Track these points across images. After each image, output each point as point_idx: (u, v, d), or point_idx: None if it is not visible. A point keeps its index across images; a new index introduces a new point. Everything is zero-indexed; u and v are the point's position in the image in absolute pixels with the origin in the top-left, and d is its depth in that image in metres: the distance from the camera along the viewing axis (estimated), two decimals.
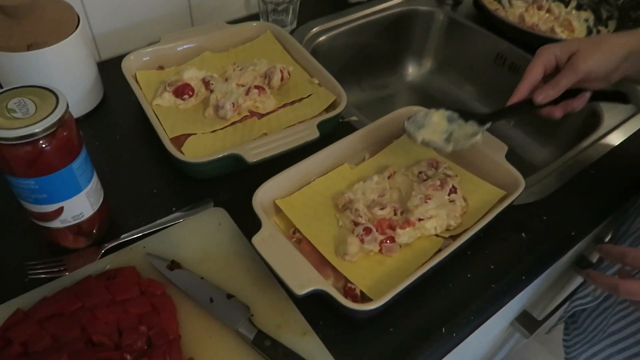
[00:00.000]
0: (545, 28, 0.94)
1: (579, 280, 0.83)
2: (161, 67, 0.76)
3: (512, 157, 0.94)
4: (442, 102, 1.08)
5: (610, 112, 0.81)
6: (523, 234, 0.62)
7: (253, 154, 0.61)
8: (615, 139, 0.76)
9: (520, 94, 0.60)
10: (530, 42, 0.92)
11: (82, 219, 0.54)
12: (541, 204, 0.66)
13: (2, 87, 0.67)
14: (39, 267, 0.54)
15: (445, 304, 0.55)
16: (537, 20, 0.96)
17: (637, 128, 0.79)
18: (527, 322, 0.78)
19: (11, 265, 0.55)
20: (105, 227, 0.58)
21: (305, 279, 0.49)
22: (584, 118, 0.86)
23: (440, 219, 0.57)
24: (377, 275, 0.54)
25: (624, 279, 0.50)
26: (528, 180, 0.69)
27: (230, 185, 0.65)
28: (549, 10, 1.00)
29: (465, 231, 0.56)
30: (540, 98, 0.58)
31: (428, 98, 1.10)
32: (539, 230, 0.63)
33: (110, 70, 0.76)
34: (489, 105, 1.04)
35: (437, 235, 0.58)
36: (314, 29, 0.94)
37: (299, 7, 0.92)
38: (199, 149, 0.65)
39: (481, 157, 0.65)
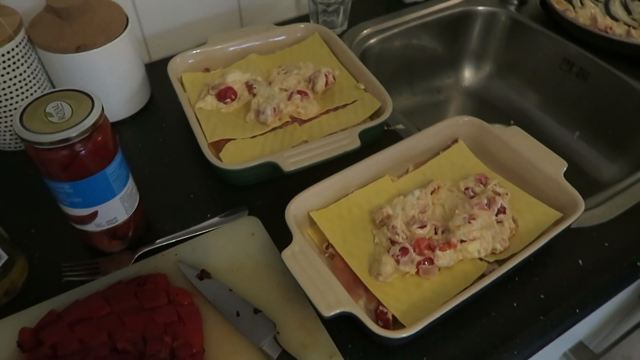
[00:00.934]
0: (620, 31, 0.86)
1: None
2: (207, 69, 0.76)
3: (575, 173, 0.88)
4: (501, 110, 1.02)
5: None
6: (580, 262, 0.56)
7: (289, 162, 0.59)
8: None
9: None
10: (603, 46, 0.84)
11: (117, 223, 0.54)
12: (603, 228, 0.60)
13: (54, 87, 0.69)
14: (74, 269, 0.55)
15: (487, 334, 0.50)
16: (610, 22, 0.88)
17: None
18: (582, 354, 0.71)
19: (49, 265, 0.56)
20: (141, 231, 0.59)
21: (334, 300, 0.47)
22: None
23: (485, 241, 0.52)
24: (412, 299, 0.50)
25: None
26: (590, 201, 0.63)
27: (267, 193, 0.63)
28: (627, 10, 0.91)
29: (513, 256, 0.51)
30: None
31: (486, 105, 1.04)
32: (599, 258, 0.57)
33: (160, 72, 0.77)
34: (553, 115, 0.96)
35: (481, 259, 0.53)
36: (365, 31, 0.90)
37: (350, 8, 0.89)
38: (238, 155, 0.64)
39: (537, 174, 0.59)
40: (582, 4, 0.94)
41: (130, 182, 0.54)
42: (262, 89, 0.70)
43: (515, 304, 0.53)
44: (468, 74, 1.06)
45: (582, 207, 0.54)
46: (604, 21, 0.86)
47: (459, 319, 0.51)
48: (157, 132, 0.72)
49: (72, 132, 0.45)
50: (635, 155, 0.83)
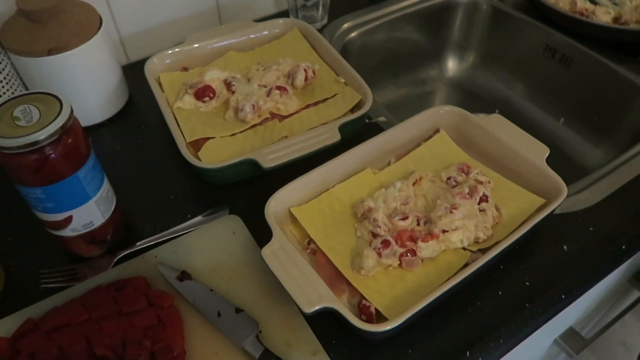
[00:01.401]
0: (601, 16, 0.85)
1: (635, 294, 0.74)
2: (185, 69, 0.75)
3: (561, 159, 0.88)
4: (486, 99, 1.01)
5: None
6: (565, 247, 0.56)
7: (269, 159, 0.58)
8: None
9: None
10: (584, 32, 0.84)
11: (93, 227, 0.53)
12: (588, 212, 0.60)
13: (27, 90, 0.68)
14: (52, 275, 0.54)
15: (472, 325, 0.50)
16: (590, 6, 0.87)
17: None
18: (572, 341, 0.71)
19: (27, 273, 0.55)
20: (120, 234, 0.58)
21: (315, 296, 0.46)
22: None
23: (468, 230, 0.52)
24: (395, 292, 0.50)
25: None
26: (574, 186, 0.63)
27: (248, 191, 0.63)
28: None
29: (496, 244, 0.51)
30: None
31: (471, 95, 1.03)
32: (584, 243, 0.56)
33: (138, 73, 0.75)
34: (538, 103, 0.96)
35: (464, 249, 0.53)
36: (346, 25, 0.90)
37: (330, 2, 0.88)
38: (217, 153, 0.63)
39: (519, 161, 0.59)
40: None
41: (106, 185, 0.53)
42: (241, 87, 0.69)
43: (500, 293, 0.52)
44: (452, 65, 1.05)
45: (565, 192, 0.53)
46: (583, 5, 0.86)
47: (444, 311, 0.50)
48: (136, 134, 0.71)
49: (40, 135, 0.44)
50: (619, 140, 0.82)
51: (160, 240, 0.57)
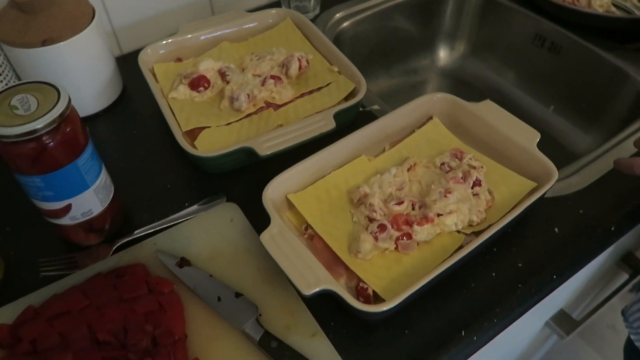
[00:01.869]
0: (585, 3, 0.87)
1: (624, 277, 0.76)
2: (179, 59, 0.75)
3: (551, 145, 0.89)
4: (478, 88, 1.02)
5: None
6: (556, 230, 0.57)
7: (265, 146, 0.59)
8: None
9: None
10: (572, 19, 0.85)
11: (92, 215, 0.53)
12: (578, 196, 0.61)
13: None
14: (51, 264, 0.55)
15: (467, 305, 0.51)
16: None
17: None
18: (563, 322, 0.73)
19: (26, 262, 0.55)
20: (118, 223, 0.58)
21: (313, 279, 0.47)
22: (632, 100, 0.78)
23: (462, 214, 0.53)
24: (392, 274, 0.51)
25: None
26: (564, 171, 0.64)
27: (245, 180, 0.63)
28: None
29: (489, 227, 0.52)
30: None
31: (462, 84, 1.04)
32: (574, 225, 0.58)
33: (132, 64, 0.75)
34: (528, 90, 0.97)
35: (458, 232, 0.54)
36: (338, 14, 0.90)
37: None
38: (213, 143, 0.63)
39: (511, 146, 0.60)
40: None
41: (104, 174, 0.54)
42: (235, 76, 0.69)
43: (494, 274, 0.53)
44: (443, 55, 1.06)
45: (556, 175, 0.55)
46: None
47: (439, 292, 0.51)
48: (131, 125, 0.71)
49: (39, 124, 0.44)
50: (608, 125, 0.84)
51: (159, 228, 0.58)
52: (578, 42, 0.84)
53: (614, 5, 0.89)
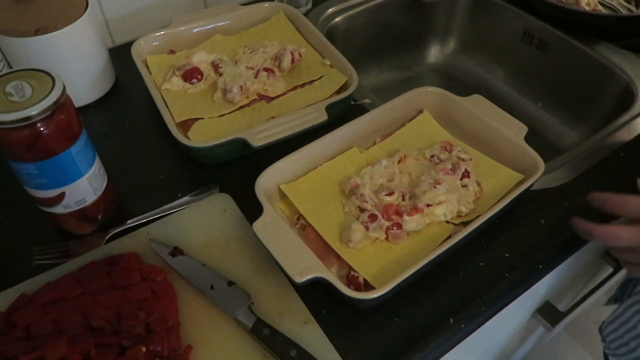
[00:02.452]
0: (573, 0, 0.88)
1: (608, 270, 0.78)
2: (172, 51, 0.75)
3: (540, 140, 0.90)
4: (468, 84, 1.04)
5: None
6: (542, 221, 0.59)
7: (258, 137, 0.59)
8: None
9: None
10: (559, 16, 0.86)
11: (85, 204, 0.54)
12: (563, 189, 0.62)
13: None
14: (44, 252, 0.55)
15: (456, 293, 0.52)
16: None
17: None
18: (549, 314, 0.74)
19: (19, 250, 0.55)
20: (111, 213, 0.58)
21: (305, 266, 0.47)
22: (618, 96, 0.80)
23: (451, 204, 0.54)
24: (383, 263, 0.52)
25: (598, 224, 0.52)
26: (551, 164, 0.65)
27: (238, 170, 0.64)
28: None
29: (477, 217, 0.53)
30: None
31: (452, 80, 1.05)
32: (560, 217, 0.59)
33: (124, 55, 0.75)
34: (517, 87, 0.99)
35: (447, 222, 0.55)
36: (330, 9, 0.91)
37: None
38: (206, 134, 0.64)
39: (499, 139, 0.61)
40: None
41: (97, 162, 0.54)
42: (228, 69, 0.70)
43: (481, 264, 0.55)
44: (434, 51, 1.07)
45: (542, 167, 0.56)
46: None
47: (429, 281, 0.52)
48: (124, 116, 0.72)
49: (33, 111, 0.45)
50: (594, 122, 0.86)
51: (152, 218, 0.58)
52: (565, 40, 0.86)
53: (601, 3, 0.91)
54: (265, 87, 0.69)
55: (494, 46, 1.00)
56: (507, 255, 0.55)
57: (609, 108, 0.82)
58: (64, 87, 0.47)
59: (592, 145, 0.68)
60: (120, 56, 0.77)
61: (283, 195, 0.58)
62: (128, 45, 0.72)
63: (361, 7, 0.93)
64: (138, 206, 0.60)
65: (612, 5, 0.91)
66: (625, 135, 0.69)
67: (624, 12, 0.90)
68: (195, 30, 0.77)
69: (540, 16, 0.89)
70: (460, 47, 1.06)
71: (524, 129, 0.61)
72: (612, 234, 0.51)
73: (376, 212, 0.53)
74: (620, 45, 0.82)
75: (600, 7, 0.89)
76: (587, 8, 0.87)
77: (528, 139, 0.60)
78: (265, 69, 0.69)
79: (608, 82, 0.81)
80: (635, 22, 0.83)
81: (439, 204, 0.54)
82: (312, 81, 0.71)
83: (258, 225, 0.51)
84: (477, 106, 0.64)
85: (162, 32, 0.74)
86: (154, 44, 0.74)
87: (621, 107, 0.75)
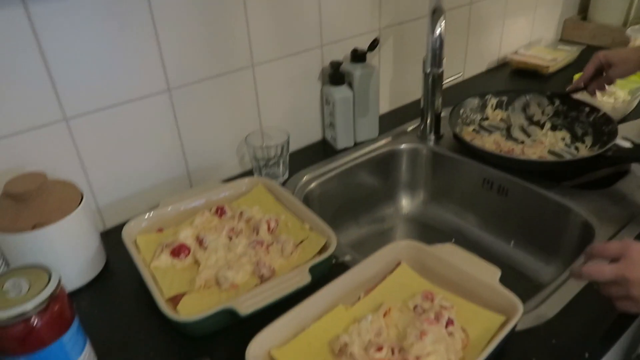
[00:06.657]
0: (519, 151, 0.99)
1: None
2: (160, 230, 0.80)
3: (518, 278, 0.93)
4: (442, 230, 1.10)
5: (603, 224, 0.81)
6: None
7: (245, 305, 0.61)
8: None
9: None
10: (509, 165, 0.96)
11: None
12: (549, 326, 0.64)
13: (8, 264, 0.70)
14: None
15: None
16: (511, 144, 1.01)
17: (633, 236, 0.78)
18: None
19: None
20: None
21: None
22: (579, 230, 0.86)
23: (440, 355, 0.55)
24: None
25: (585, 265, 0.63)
26: (531, 302, 0.68)
27: (228, 340, 0.64)
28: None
29: None
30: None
31: (427, 228, 1.12)
32: (549, 355, 0.59)
33: (114, 237, 0.80)
34: (488, 229, 1.05)
35: None
36: (305, 177, 0.99)
37: (289, 159, 0.99)
38: (195, 307, 0.65)
39: (475, 284, 0.64)
40: (487, 131, 1.09)
41: (88, 348, 0.54)
42: (212, 243, 0.74)
43: None
44: (405, 203, 1.15)
45: (520, 307, 0.58)
46: (505, 144, 1.00)
47: None
48: (114, 296, 0.73)
49: (28, 306, 0.47)
50: (564, 255, 0.90)
51: None
52: (521, 184, 0.94)
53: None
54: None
55: (459, 194, 1.08)
56: None
57: (574, 242, 0.87)
58: (60, 280, 0.50)
59: (566, 279, 0.71)
60: (110, 238, 0.81)
61: None
62: (118, 228, 0.77)
63: (333, 173, 1.02)
64: None
65: (555, 151, 1.02)
66: None
67: (568, 156, 1.00)
68: (181, 209, 0.83)
69: (494, 165, 0.99)
70: (429, 197, 1.14)
71: (497, 272, 0.64)
72: (596, 270, 0.61)
73: None
74: (570, 185, 0.91)
75: (546, 155, 1.00)
76: (533, 157, 0.98)
77: (508, 277, 0.63)
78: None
79: (567, 219, 0.87)
80: (578, 164, 0.94)
81: (428, 355, 0.54)
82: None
83: None
84: (451, 254, 0.68)
85: (150, 215, 0.80)
86: (143, 225, 0.79)
87: (584, 241, 0.80)
